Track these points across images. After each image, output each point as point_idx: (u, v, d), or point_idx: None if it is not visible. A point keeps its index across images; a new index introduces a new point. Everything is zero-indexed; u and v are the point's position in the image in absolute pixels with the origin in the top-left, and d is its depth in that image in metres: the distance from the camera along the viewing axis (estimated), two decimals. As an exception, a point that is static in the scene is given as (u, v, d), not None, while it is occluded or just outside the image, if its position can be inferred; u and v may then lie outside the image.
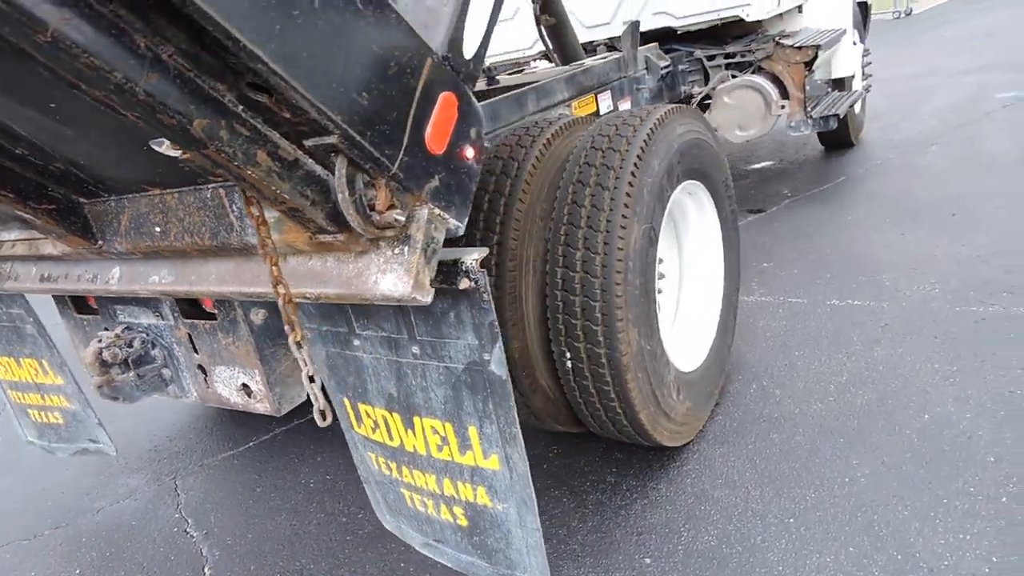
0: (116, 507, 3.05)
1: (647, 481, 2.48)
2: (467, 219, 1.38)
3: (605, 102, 3.82)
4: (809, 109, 4.66)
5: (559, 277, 2.11)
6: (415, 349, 1.62)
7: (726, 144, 5.04)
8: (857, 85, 5.77)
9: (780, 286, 3.69)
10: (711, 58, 4.79)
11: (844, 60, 5.30)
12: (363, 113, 1.12)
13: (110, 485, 3.21)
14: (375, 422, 1.86)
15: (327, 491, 2.85)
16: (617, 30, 4.85)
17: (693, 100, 4.82)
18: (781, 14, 5.29)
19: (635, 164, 2.12)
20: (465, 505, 1.79)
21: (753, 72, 4.72)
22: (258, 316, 1.98)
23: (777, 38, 4.75)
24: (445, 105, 1.28)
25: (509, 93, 3.14)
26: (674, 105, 2.43)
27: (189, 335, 2.17)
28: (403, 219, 1.21)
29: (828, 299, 3.45)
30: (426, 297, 1.27)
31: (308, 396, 2.22)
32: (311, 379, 1.45)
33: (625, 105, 4.04)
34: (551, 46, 4.42)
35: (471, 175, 1.37)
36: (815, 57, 4.48)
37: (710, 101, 4.69)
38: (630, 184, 2.09)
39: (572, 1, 4.88)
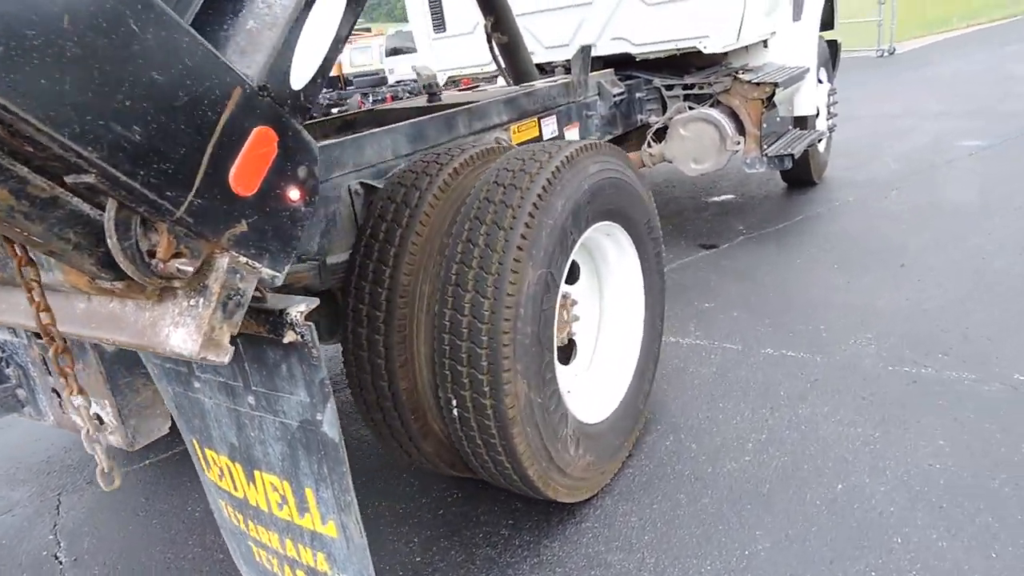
0: (-11, 526, 2.85)
1: (541, 538, 2.33)
2: (287, 267, 1.23)
3: (549, 127, 3.69)
4: (765, 147, 4.57)
5: (447, 319, 1.96)
6: (251, 399, 1.47)
7: (684, 177, 4.93)
8: (821, 124, 5.69)
9: (718, 330, 3.56)
10: (669, 88, 4.69)
11: (807, 98, 5.22)
12: (133, 149, 0.96)
13: (-14, 501, 3.01)
14: (220, 469, 1.70)
15: (209, 522, 2.67)
16: (570, 53, 4.73)
17: (649, 130, 4.71)
18: (747, 47, 5.21)
19: (535, 204, 1.98)
20: (307, 570, 1.63)
21: (711, 105, 4.62)
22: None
23: (737, 72, 4.67)
24: (260, 141, 1.13)
25: (437, 113, 3.00)
26: (589, 141, 2.30)
27: (42, 356, 2.00)
28: (190, 269, 1.06)
29: (763, 347, 3.33)
30: (221, 357, 1.12)
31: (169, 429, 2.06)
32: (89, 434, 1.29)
33: (572, 132, 3.91)
34: (503, 65, 4.30)
35: (297, 218, 1.22)
36: (773, 94, 4.39)
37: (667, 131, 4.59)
38: (527, 226, 1.95)
39: (531, 20, 4.78)
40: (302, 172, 1.22)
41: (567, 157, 2.13)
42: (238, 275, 1.13)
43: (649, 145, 4.73)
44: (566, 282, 2.65)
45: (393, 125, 2.84)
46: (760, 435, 2.68)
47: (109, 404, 1.85)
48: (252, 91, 1.12)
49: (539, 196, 1.99)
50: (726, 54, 5.28)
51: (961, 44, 15.12)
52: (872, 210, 5.09)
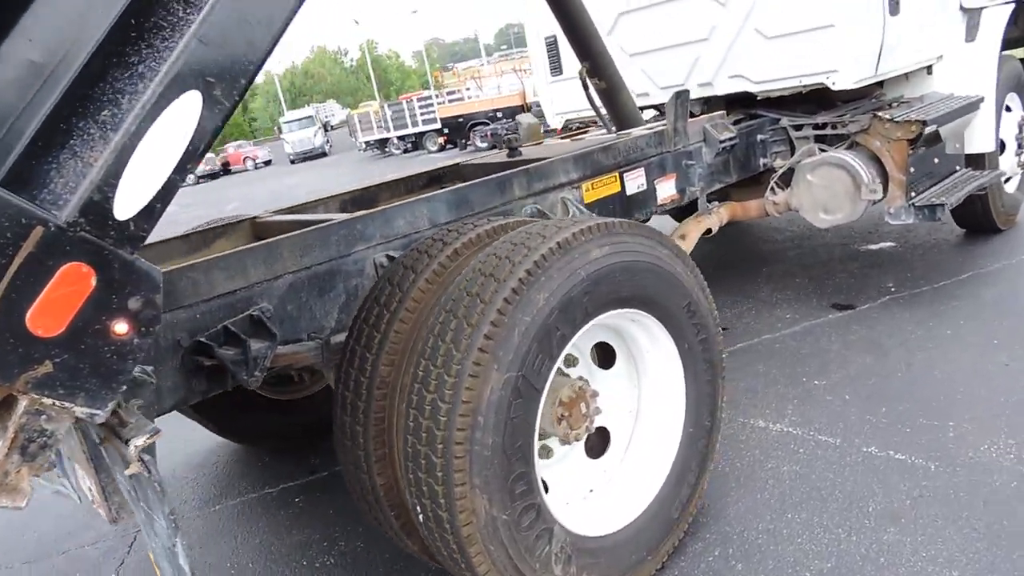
0: (78, 552, 3.15)
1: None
2: (113, 403, 1.17)
3: (635, 181, 3.43)
4: (913, 194, 3.91)
5: (411, 420, 1.82)
6: (141, 514, 1.44)
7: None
8: (1007, 161, 4.79)
9: (818, 416, 3.06)
10: (798, 128, 4.18)
11: (982, 133, 4.41)
12: None
13: (86, 529, 3.32)
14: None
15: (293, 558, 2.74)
16: (692, 92, 4.39)
17: (773, 175, 4.24)
18: (907, 75, 4.54)
19: (506, 300, 1.79)
20: None
21: (848, 147, 4.05)
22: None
23: (880, 108, 4.06)
24: (68, 279, 1.09)
25: (488, 177, 2.89)
26: (597, 222, 2.05)
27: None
28: (-28, 416, 1.04)
29: (867, 444, 2.80)
30: (18, 502, 1.08)
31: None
32: None
33: (668, 183, 3.62)
34: (603, 112, 4.08)
35: (125, 352, 1.17)
36: (921, 133, 3.74)
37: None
38: (493, 324, 1.76)
39: (645, 59, 4.52)
40: (134, 303, 1.17)
41: (559, 243, 1.92)
42: (43, 416, 1.09)
43: (773, 192, 4.25)
44: (601, 366, 2.42)
45: (433, 192, 2.78)
46: (825, 563, 2.23)
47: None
48: (58, 228, 1.08)
49: (513, 290, 1.80)
50: (880, 84, 4.65)
51: None
52: (1066, 267, 4.17)
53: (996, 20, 4.44)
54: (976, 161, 4.51)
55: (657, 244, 2.20)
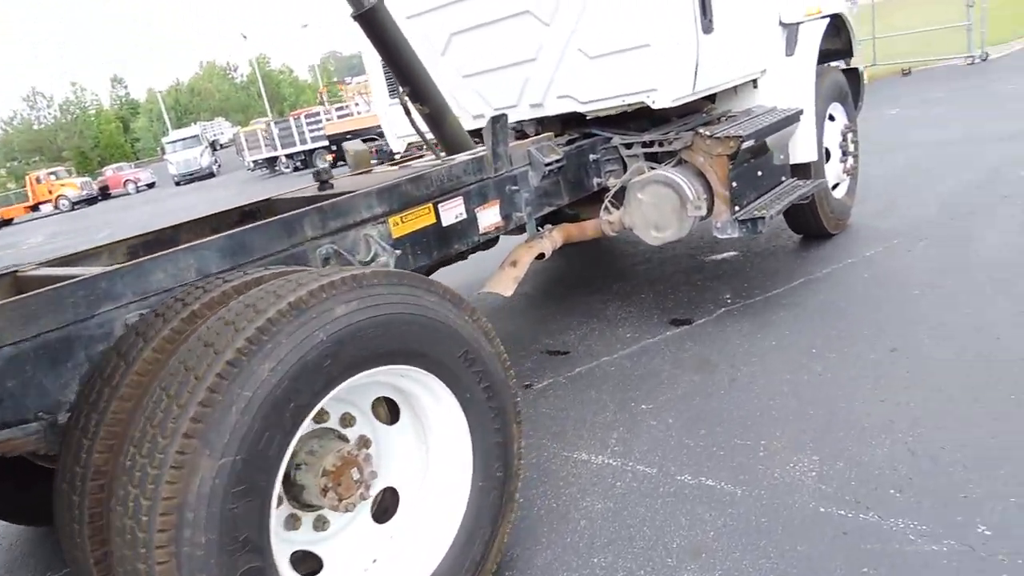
0: None
1: None
2: None
3: (453, 211, 3.30)
4: (737, 208, 3.97)
5: (118, 519, 1.60)
6: None
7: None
8: (832, 170, 4.98)
9: (640, 444, 3.01)
10: (628, 146, 4.18)
11: (804, 143, 4.54)
12: None
13: None
14: None
15: None
16: (524, 112, 4.33)
17: (607, 195, 4.22)
18: (735, 89, 4.63)
19: (219, 374, 1.59)
20: None
21: (676, 164, 4.08)
22: None
23: (707, 124, 4.11)
24: None
25: (273, 218, 2.68)
26: (347, 274, 1.88)
27: None
28: None
29: (681, 472, 2.76)
30: None
31: None
32: None
33: (491, 211, 3.51)
34: (428, 137, 3.94)
35: None
36: (738, 149, 3.79)
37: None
38: (203, 404, 1.57)
39: (478, 81, 4.42)
40: None
41: (291, 304, 1.74)
42: None
43: (608, 211, 4.23)
44: (388, 422, 2.26)
45: (203, 240, 2.54)
46: (621, 613, 2.14)
47: None
48: None
49: (229, 362, 1.61)
50: (712, 99, 4.73)
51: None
52: (884, 271, 4.33)
53: (811, 35, 4.60)
54: (801, 171, 4.64)
55: (423, 292, 2.06)
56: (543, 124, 4.44)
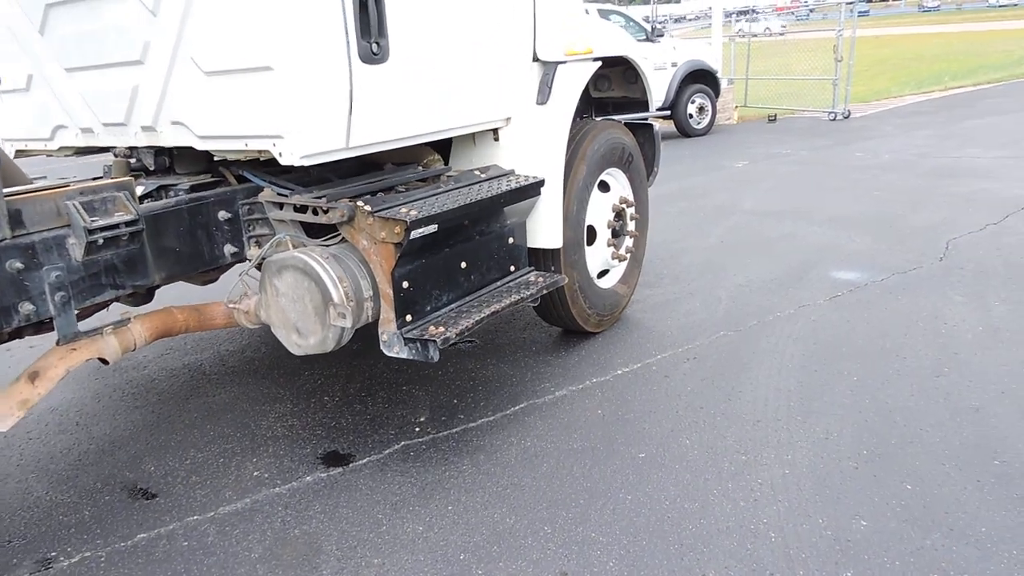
0: None
1: None
2: None
3: None
4: (411, 318, 2.78)
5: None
6: None
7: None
8: (598, 255, 3.91)
9: None
10: (280, 206, 2.90)
11: (547, 225, 3.43)
12: None
13: None
14: None
15: None
16: (136, 136, 2.96)
17: (241, 273, 2.94)
18: (473, 137, 3.46)
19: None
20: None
21: (341, 242, 2.84)
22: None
23: (377, 191, 2.90)
24: None
25: None
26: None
27: None
28: None
29: None
30: None
31: None
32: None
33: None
34: None
35: None
36: (405, 238, 2.60)
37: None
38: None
39: (85, 79, 3.02)
40: None
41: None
42: None
43: (245, 296, 2.95)
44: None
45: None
46: None
47: None
48: None
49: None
50: (448, 144, 3.55)
51: (929, 110, 13.39)
52: (621, 408, 3.27)
53: (573, 80, 3.48)
54: (546, 258, 3.54)
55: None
56: (175, 157, 3.10)
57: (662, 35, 11.97)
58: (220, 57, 2.52)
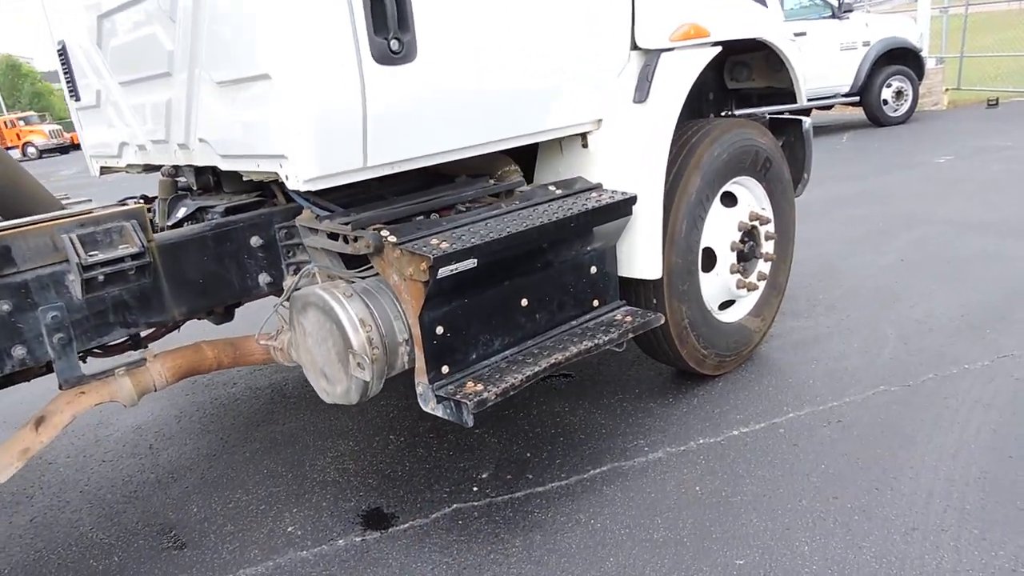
0: None
1: None
2: None
3: None
4: (447, 370, 2.30)
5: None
6: None
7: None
8: (716, 283, 3.18)
9: None
10: (315, 231, 2.53)
11: (644, 251, 2.78)
12: None
13: None
14: None
15: None
16: (175, 154, 2.74)
17: (276, 304, 2.62)
18: (560, 144, 2.93)
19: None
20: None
21: (376, 274, 2.43)
22: None
23: (394, 223, 2.44)
24: None
25: None
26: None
27: None
28: None
29: None
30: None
31: None
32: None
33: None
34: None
35: None
36: (431, 277, 2.11)
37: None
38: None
39: (135, 92, 2.88)
40: None
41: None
42: None
43: (280, 331, 2.64)
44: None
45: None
46: None
47: None
48: None
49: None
50: (533, 153, 3.05)
51: None
52: (753, 473, 2.56)
53: (680, 72, 2.79)
54: (639, 293, 2.90)
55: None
56: (222, 175, 2.85)
57: (851, 10, 10.47)
58: (225, 64, 2.19)
